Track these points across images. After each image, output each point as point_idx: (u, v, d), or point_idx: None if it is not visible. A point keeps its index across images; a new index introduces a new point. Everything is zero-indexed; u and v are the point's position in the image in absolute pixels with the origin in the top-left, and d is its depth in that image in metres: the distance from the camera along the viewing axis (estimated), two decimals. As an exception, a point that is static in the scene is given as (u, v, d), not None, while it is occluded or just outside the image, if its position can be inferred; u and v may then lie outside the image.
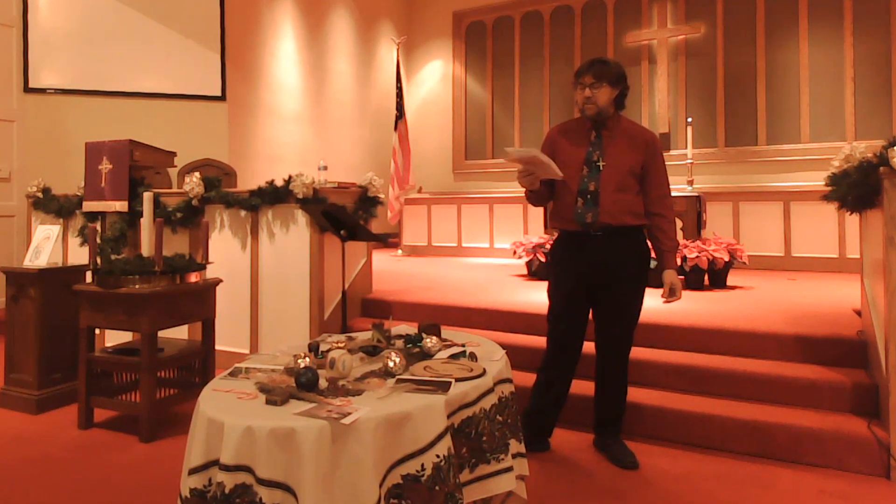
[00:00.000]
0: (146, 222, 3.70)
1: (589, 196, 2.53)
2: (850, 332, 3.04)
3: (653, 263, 2.66)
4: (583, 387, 2.90)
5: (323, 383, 1.74)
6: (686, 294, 4.33)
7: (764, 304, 3.96)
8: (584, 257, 2.58)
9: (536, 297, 4.13)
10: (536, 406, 2.73)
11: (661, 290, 2.59)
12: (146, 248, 3.59)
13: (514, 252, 5.38)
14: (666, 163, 2.66)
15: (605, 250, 2.54)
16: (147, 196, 3.80)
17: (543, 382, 2.74)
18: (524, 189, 2.59)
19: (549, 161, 2.38)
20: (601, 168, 2.54)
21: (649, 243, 2.64)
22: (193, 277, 3.24)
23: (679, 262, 4.45)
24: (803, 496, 2.33)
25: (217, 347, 3.44)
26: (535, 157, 2.35)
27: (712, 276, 4.67)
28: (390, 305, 4.16)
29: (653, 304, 3.93)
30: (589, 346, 2.75)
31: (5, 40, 5.74)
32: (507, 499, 1.93)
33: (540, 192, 2.65)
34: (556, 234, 2.77)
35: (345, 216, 3.33)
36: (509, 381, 2.03)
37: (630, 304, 2.62)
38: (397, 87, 8.06)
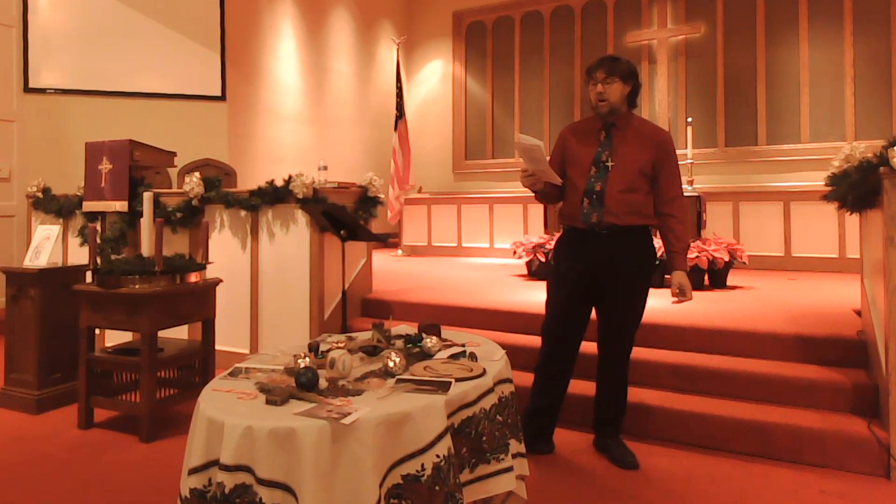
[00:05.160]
0: (146, 222, 3.70)
1: (595, 196, 2.53)
2: (850, 332, 3.04)
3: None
4: (583, 387, 2.90)
5: (323, 383, 1.74)
6: (686, 294, 4.37)
7: (764, 304, 3.95)
8: (587, 253, 2.57)
9: (536, 297, 4.12)
10: (536, 406, 2.71)
11: (664, 291, 2.59)
12: (146, 248, 3.59)
13: (514, 252, 5.38)
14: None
15: (609, 247, 2.53)
16: (147, 196, 3.80)
17: (541, 382, 2.72)
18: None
19: (545, 158, 2.41)
20: (609, 168, 2.53)
21: (656, 243, 2.63)
22: (193, 277, 3.24)
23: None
24: (803, 496, 2.33)
25: (217, 347, 3.44)
26: (538, 146, 2.35)
27: (712, 276, 4.67)
28: (390, 305, 4.16)
29: (653, 304, 3.94)
30: (589, 346, 2.75)
31: (5, 40, 5.73)
32: (507, 499, 1.93)
33: (546, 192, 2.65)
34: (559, 232, 2.77)
35: (345, 216, 3.33)
36: (509, 381, 2.03)
37: (633, 302, 2.61)
38: (397, 87, 8.07)
